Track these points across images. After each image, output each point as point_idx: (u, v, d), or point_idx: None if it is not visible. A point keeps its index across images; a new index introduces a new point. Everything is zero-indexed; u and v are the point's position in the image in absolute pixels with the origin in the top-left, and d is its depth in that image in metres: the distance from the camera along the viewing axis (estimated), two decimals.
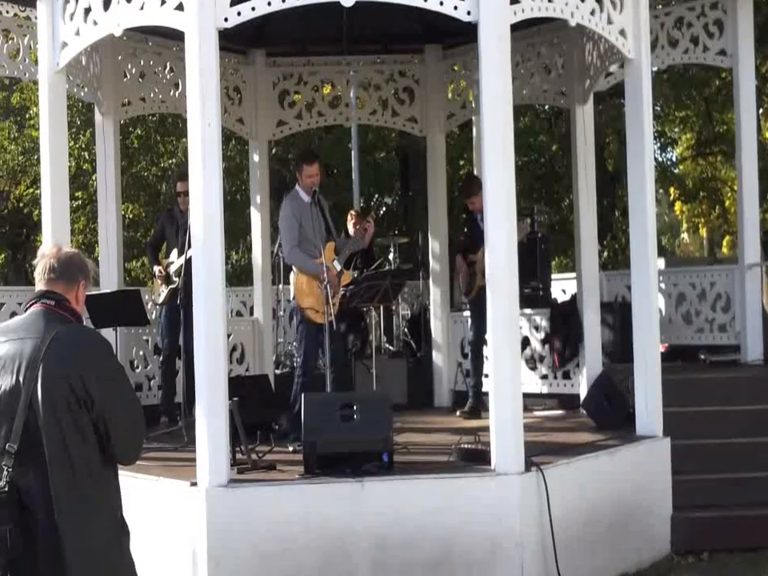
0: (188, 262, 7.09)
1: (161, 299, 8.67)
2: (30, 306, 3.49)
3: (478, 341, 8.89)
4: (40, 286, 3.50)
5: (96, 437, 3.30)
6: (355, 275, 9.86)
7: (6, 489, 3.24)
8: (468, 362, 9.39)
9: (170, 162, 16.83)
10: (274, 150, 16.35)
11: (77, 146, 15.42)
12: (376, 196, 20.95)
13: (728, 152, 20.04)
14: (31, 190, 17.14)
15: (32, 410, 3.25)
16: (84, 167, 15.66)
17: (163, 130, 16.96)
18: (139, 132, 16.67)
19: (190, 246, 6.25)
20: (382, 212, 21.62)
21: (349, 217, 10.93)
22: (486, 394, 7.07)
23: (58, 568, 3.25)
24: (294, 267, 7.61)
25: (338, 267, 7.53)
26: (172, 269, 8.57)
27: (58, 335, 3.31)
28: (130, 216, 17.29)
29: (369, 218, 8.35)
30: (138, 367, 9.27)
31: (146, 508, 5.65)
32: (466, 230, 9.33)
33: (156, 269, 8.73)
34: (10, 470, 3.26)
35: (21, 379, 3.28)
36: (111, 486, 3.41)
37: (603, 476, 6.45)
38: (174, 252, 8.66)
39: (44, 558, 3.25)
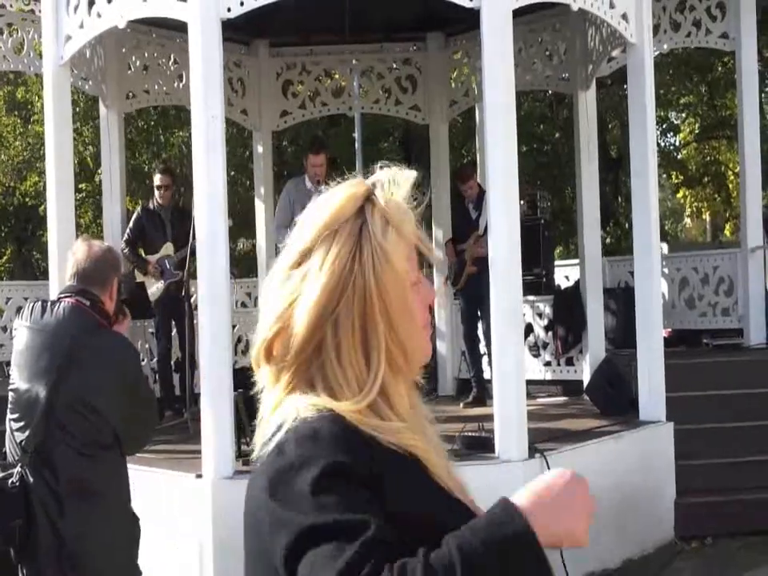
0: (192, 253, 7.10)
1: (156, 295, 8.47)
2: (63, 297, 3.46)
3: (472, 331, 8.86)
4: (73, 282, 3.47)
5: (110, 438, 3.35)
6: None
7: (18, 484, 3.29)
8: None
9: (170, 152, 16.76)
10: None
11: (81, 138, 15.37)
12: None
13: (731, 136, 19.99)
14: (36, 179, 17.08)
15: (49, 414, 3.29)
16: (86, 163, 15.61)
17: (165, 122, 16.88)
18: (140, 124, 16.60)
19: (194, 238, 6.25)
20: None
21: None
22: (490, 381, 7.10)
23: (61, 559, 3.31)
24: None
25: None
26: (169, 262, 8.49)
27: (86, 343, 3.32)
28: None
29: None
30: (143, 360, 9.26)
31: (151, 500, 5.68)
32: (453, 218, 9.29)
33: (151, 265, 8.50)
34: (25, 466, 3.32)
35: (42, 381, 3.31)
36: (121, 481, 3.44)
37: (607, 462, 6.48)
38: (168, 245, 8.55)
39: (44, 552, 3.32)
